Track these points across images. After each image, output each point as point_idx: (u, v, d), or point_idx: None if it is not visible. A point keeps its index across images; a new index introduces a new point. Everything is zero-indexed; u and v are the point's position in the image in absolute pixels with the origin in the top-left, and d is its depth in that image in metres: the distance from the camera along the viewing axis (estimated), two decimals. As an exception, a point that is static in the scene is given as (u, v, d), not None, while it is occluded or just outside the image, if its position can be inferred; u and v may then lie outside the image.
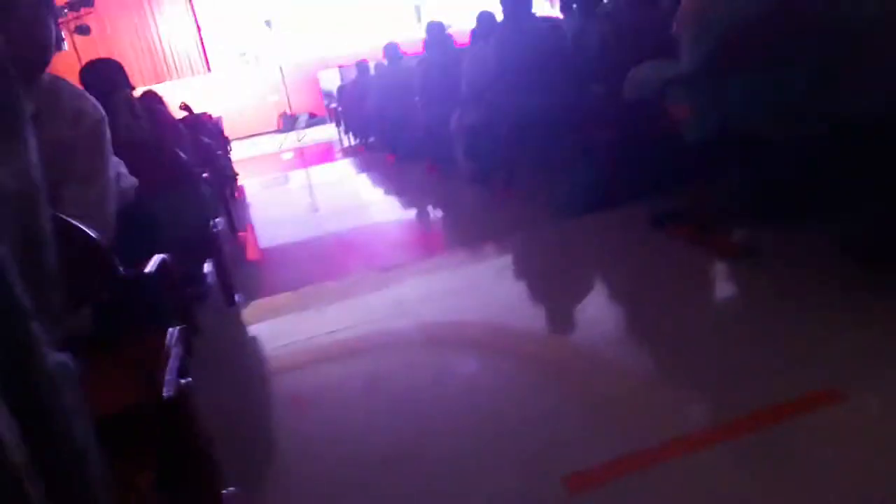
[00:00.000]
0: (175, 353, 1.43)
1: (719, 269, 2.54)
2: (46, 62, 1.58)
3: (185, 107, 5.31)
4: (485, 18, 4.66)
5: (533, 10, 4.09)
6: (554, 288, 2.73)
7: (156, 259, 1.40)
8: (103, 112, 1.64)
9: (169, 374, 1.31)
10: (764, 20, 2.15)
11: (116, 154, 1.68)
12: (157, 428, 1.23)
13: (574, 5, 4.28)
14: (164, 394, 1.24)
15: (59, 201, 1.51)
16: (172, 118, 3.17)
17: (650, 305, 2.28)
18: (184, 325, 1.50)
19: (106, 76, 2.57)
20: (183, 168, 2.51)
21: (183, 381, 1.35)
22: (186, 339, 1.53)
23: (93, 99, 1.65)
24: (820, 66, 2.04)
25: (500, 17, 4.24)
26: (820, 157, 2.15)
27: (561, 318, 2.45)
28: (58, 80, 1.67)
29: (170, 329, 1.47)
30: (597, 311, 2.44)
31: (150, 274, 1.32)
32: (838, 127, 2.05)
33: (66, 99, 1.60)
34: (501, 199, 4.20)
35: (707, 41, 2.23)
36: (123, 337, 1.35)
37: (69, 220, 1.15)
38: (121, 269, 1.16)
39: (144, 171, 2.03)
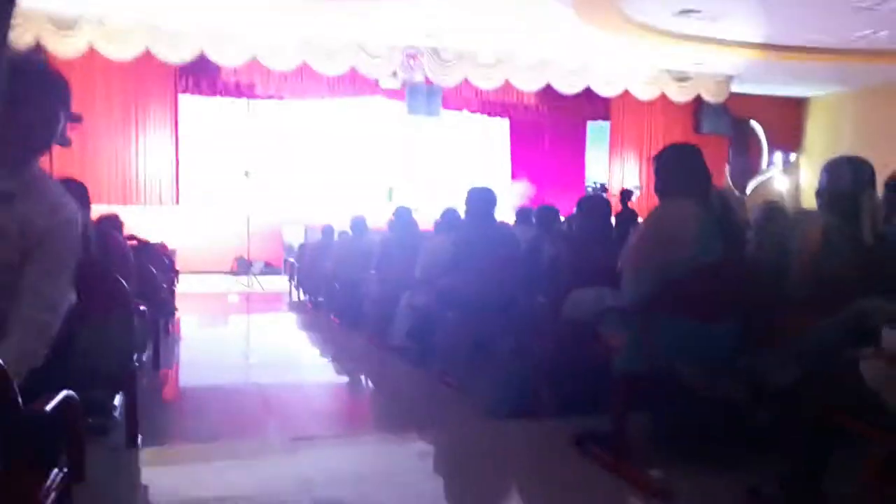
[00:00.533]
0: (51, 499, 1.33)
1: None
2: (45, 147, 1.64)
3: (131, 237, 5.29)
4: (449, 214, 4.96)
5: (494, 215, 4.41)
6: (468, 490, 2.65)
7: (62, 396, 1.34)
8: (80, 216, 1.67)
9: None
10: (702, 275, 2.35)
11: None
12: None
13: (533, 218, 4.61)
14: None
15: (12, 288, 1.49)
16: (124, 247, 3.18)
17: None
18: (67, 470, 1.41)
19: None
20: (120, 297, 2.48)
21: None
22: (66, 486, 1.43)
23: (74, 202, 1.68)
24: (746, 328, 2.20)
25: (463, 214, 4.53)
26: (737, 409, 2.25)
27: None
28: (47, 177, 1.72)
29: (52, 472, 1.38)
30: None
31: (50, 413, 1.25)
32: (756, 385, 2.17)
33: (50, 192, 1.65)
34: (434, 386, 4.18)
35: (646, 282, 2.40)
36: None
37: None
38: (20, 403, 1.11)
39: (81, 292, 1.99)
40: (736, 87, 12.72)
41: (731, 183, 13.43)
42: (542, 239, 3.80)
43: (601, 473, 2.64)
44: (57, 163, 7.33)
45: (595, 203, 3.47)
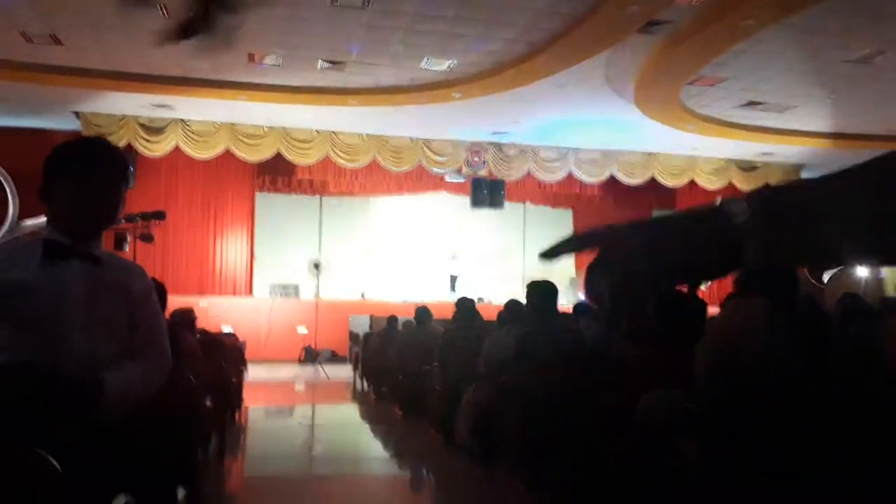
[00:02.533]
0: None
1: None
2: (111, 223, 1.76)
3: (204, 331, 5.42)
4: (512, 305, 4.92)
5: (557, 308, 4.35)
6: None
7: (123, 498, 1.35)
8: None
9: None
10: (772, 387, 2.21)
11: None
12: None
13: (598, 313, 4.50)
14: None
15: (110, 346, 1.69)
16: (194, 345, 3.27)
17: None
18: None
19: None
20: (188, 395, 2.53)
21: None
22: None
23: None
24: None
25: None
26: None
27: None
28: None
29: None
30: None
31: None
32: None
33: (127, 260, 1.86)
34: (500, 485, 4.03)
35: (717, 383, 2.28)
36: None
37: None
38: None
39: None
40: (806, 174, 12.44)
41: (807, 273, 12.90)
42: (613, 336, 3.70)
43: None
44: (140, 256, 7.75)
45: (673, 300, 3.36)
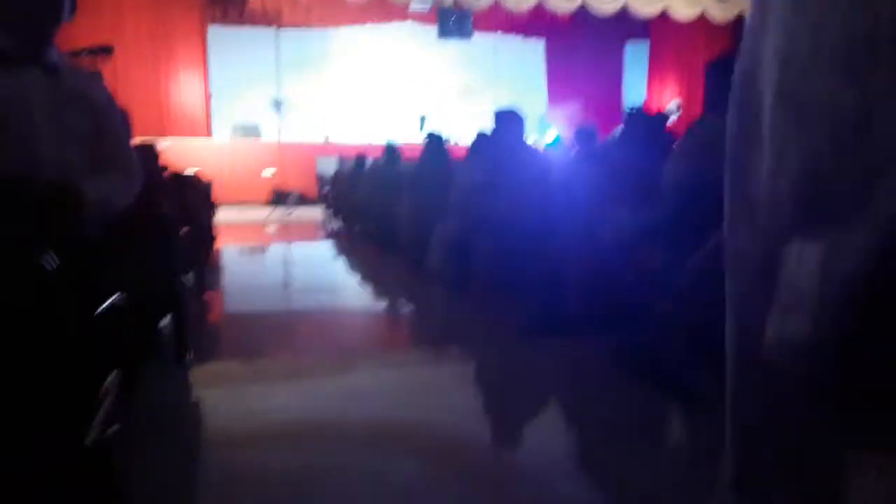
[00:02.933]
0: (110, 399, 1.39)
1: (674, 412, 2.54)
2: (60, 22, 1.67)
3: (165, 167, 5.33)
4: (481, 138, 4.90)
5: (524, 137, 4.35)
6: (511, 404, 2.71)
7: (115, 297, 1.39)
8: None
9: (98, 420, 1.27)
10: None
11: None
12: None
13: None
14: (88, 439, 1.19)
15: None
16: (163, 176, 3.21)
17: (600, 437, 2.28)
18: (125, 373, 1.47)
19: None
20: (161, 220, 2.52)
21: (110, 429, 1.30)
22: (123, 388, 1.49)
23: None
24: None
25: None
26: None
27: (512, 437, 2.42)
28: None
29: (111, 374, 1.44)
30: (547, 434, 2.41)
31: (108, 314, 1.30)
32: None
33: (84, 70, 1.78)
34: (472, 306, 4.24)
35: (684, 195, 2.35)
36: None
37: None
38: (79, 302, 1.15)
39: (125, 217, 2.03)
40: None
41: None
42: (581, 160, 3.73)
43: (639, 386, 2.67)
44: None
45: (640, 121, 3.37)
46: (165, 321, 2.93)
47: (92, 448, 1.14)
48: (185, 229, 3.09)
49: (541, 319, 3.36)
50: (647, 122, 3.38)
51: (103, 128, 1.68)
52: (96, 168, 1.66)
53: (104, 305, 1.45)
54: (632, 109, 3.58)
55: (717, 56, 3.00)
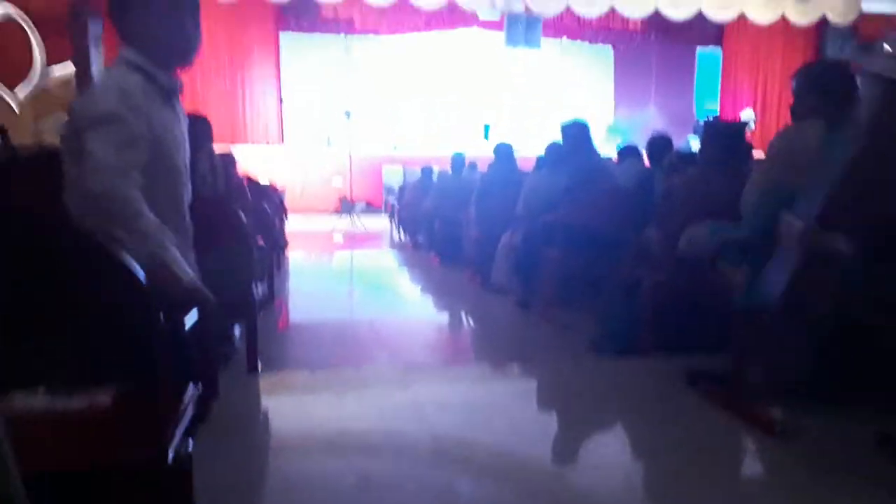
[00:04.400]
0: (188, 413, 1.41)
1: (749, 443, 2.42)
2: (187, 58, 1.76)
3: (245, 175, 5.52)
4: (553, 149, 4.83)
5: (593, 146, 4.28)
6: (575, 425, 2.64)
7: (194, 313, 1.41)
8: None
9: (177, 434, 1.28)
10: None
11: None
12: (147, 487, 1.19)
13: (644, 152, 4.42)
14: (170, 452, 1.21)
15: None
16: (241, 182, 3.29)
17: (667, 464, 2.19)
18: (203, 386, 1.49)
19: (199, 131, 2.72)
20: (240, 230, 2.58)
21: (188, 443, 1.32)
22: (201, 402, 1.51)
23: None
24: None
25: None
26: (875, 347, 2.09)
27: (574, 459, 2.36)
28: None
29: (190, 387, 1.46)
30: (611, 458, 2.33)
31: (187, 330, 1.32)
32: None
33: None
34: (538, 322, 4.16)
35: (770, 208, 2.24)
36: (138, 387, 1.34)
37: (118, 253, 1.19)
38: (160, 317, 1.17)
39: (206, 225, 2.09)
40: (867, 6, 11.42)
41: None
42: (654, 171, 3.62)
43: (716, 411, 2.55)
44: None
45: (721, 130, 3.24)
46: (238, 331, 2.99)
47: (173, 464, 1.15)
48: (259, 240, 3.16)
49: (612, 339, 3.26)
50: (727, 131, 3.25)
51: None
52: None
53: (188, 316, 1.48)
54: (708, 118, 3.45)
55: (801, 62, 2.86)
